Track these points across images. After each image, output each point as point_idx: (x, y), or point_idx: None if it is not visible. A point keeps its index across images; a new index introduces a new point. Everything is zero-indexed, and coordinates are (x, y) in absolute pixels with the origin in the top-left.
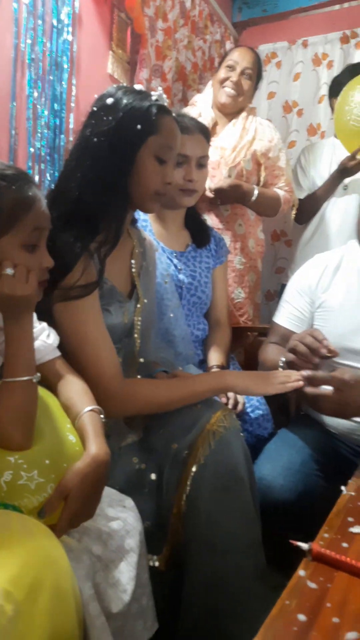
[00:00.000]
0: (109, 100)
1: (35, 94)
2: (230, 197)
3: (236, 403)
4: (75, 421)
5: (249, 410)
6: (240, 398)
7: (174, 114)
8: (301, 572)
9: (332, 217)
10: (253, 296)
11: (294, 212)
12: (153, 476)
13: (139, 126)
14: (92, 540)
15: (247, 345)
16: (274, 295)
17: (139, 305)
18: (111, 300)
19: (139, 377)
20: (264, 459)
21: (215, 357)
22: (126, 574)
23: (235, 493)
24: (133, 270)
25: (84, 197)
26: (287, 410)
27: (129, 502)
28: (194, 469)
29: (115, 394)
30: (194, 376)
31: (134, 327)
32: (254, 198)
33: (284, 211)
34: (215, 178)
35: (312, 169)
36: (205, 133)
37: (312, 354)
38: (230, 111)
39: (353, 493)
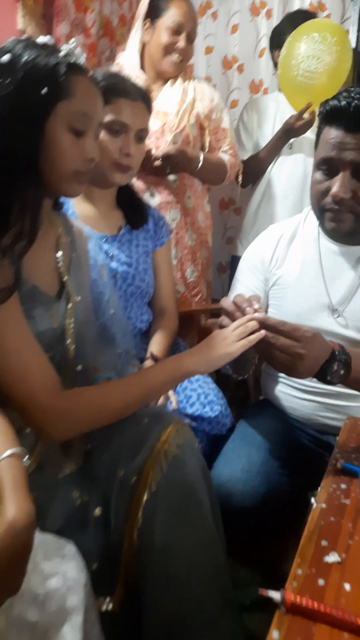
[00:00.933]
0: (5, 58)
1: None
2: (178, 165)
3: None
4: None
5: (206, 408)
6: (169, 392)
7: (106, 74)
8: (274, 635)
9: (279, 181)
10: (206, 274)
11: (240, 178)
12: (97, 511)
13: (44, 90)
14: (25, 605)
15: (200, 330)
16: (225, 267)
17: (70, 305)
18: (34, 304)
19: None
20: (222, 462)
21: (153, 346)
22: (70, 639)
23: (193, 518)
24: (60, 264)
25: None
26: (245, 400)
27: (70, 548)
28: (144, 497)
29: (55, 411)
30: (147, 370)
31: (66, 331)
32: (199, 164)
33: (230, 178)
34: (160, 148)
35: (255, 126)
36: (148, 103)
37: (237, 311)
38: (172, 76)
39: (324, 505)
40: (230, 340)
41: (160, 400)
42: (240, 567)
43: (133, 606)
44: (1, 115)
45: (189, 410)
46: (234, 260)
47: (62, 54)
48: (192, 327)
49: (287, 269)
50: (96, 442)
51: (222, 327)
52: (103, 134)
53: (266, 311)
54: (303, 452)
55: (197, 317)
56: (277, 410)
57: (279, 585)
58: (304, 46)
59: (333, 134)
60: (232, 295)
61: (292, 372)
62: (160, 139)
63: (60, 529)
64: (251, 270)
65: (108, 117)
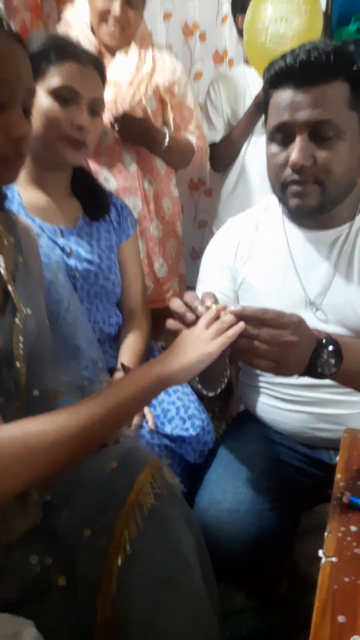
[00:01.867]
0: None
1: None
2: (136, 135)
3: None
4: None
5: (186, 424)
6: (146, 408)
7: (49, 35)
8: None
9: (254, 163)
10: (176, 267)
11: (207, 163)
12: (61, 580)
13: None
14: None
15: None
16: (199, 253)
17: (18, 321)
18: None
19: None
20: (205, 500)
21: (124, 355)
22: None
23: (180, 585)
24: (2, 272)
25: None
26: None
27: (30, 632)
28: (118, 562)
29: None
30: (111, 385)
31: (15, 352)
32: (166, 142)
33: (196, 161)
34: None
35: (224, 104)
36: (101, 70)
37: (188, 311)
38: (116, 49)
39: (334, 559)
40: (205, 338)
41: (135, 420)
42: (234, 591)
43: None
44: None
45: (167, 429)
46: None
47: None
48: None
49: (253, 265)
50: (57, 492)
51: (176, 332)
52: (50, 103)
53: None
54: (294, 478)
55: (171, 315)
56: (261, 426)
57: (274, 609)
58: (271, 7)
59: (282, 96)
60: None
61: (282, 367)
62: (112, 111)
63: (17, 601)
64: (216, 269)
65: (54, 82)
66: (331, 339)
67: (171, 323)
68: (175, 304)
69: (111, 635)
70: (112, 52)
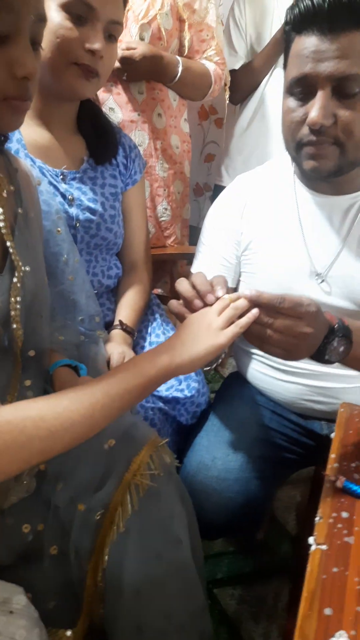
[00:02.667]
0: None
1: None
2: (143, 72)
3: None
4: None
5: (182, 385)
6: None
7: None
8: None
9: (274, 98)
10: (180, 211)
11: (227, 93)
12: (54, 549)
13: None
14: None
15: (176, 278)
16: (203, 189)
17: (16, 279)
18: None
19: (27, 382)
20: (194, 464)
21: (123, 312)
22: None
23: (170, 559)
24: (1, 224)
25: None
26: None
27: (19, 600)
28: (112, 537)
29: None
30: (120, 369)
31: (12, 312)
32: (178, 74)
33: (213, 93)
34: (122, 43)
35: (249, 26)
36: None
37: (196, 297)
38: None
39: (325, 546)
40: (216, 326)
41: None
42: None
43: None
44: None
45: (164, 392)
46: (217, 190)
47: None
48: (165, 273)
49: (259, 229)
50: (51, 463)
51: (179, 315)
52: (61, 19)
53: (239, 279)
54: (284, 446)
55: (171, 261)
56: (254, 392)
57: (252, 555)
58: None
59: (306, 43)
60: (198, 263)
61: (293, 355)
62: (124, 30)
63: (8, 565)
64: (218, 232)
65: None
66: (343, 325)
67: (175, 305)
68: (183, 287)
69: (100, 597)
70: None
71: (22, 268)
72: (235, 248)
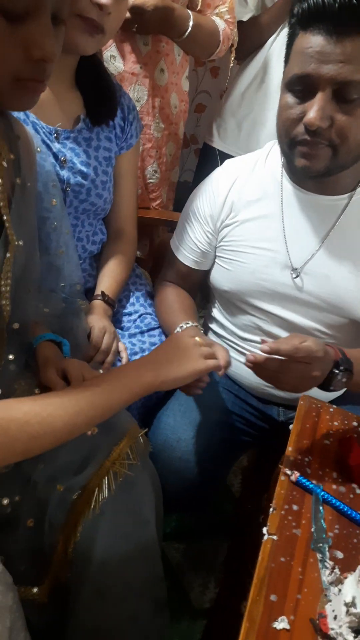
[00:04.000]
0: None
1: None
2: (153, 25)
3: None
4: None
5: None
6: (122, 345)
7: None
8: None
9: (278, 61)
10: (169, 174)
11: (233, 55)
12: (30, 522)
13: None
14: None
15: (156, 243)
16: (189, 141)
17: (9, 255)
18: None
19: (10, 355)
20: (160, 446)
21: (105, 281)
22: None
23: (137, 538)
24: None
25: None
26: None
27: None
28: (86, 516)
29: None
30: (105, 380)
31: (1, 288)
32: (188, 30)
33: (220, 52)
34: None
35: None
36: None
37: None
38: None
39: (275, 537)
40: (203, 353)
41: (109, 358)
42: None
43: (60, 600)
44: None
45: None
46: (206, 150)
47: None
48: (145, 236)
49: (241, 218)
50: None
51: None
52: None
53: (212, 267)
54: (242, 429)
55: (153, 225)
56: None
57: (198, 514)
58: None
59: (312, 41)
60: (178, 243)
61: (301, 390)
62: None
63: None
64: (198, 218)
65: None
66: (345, 358)
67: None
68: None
69: (67, 566)
70: None
71: (16, 242)
72: (211, 236)
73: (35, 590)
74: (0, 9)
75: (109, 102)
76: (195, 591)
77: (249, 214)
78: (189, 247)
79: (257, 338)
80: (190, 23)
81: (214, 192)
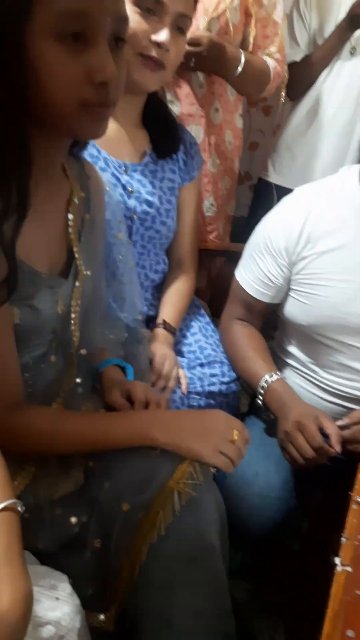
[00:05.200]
0: None
1: None
2: (209, 62)
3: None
4: None
5: (220, 381)
6: (182, 372)
7: None
8: None
9: (330, 96)
10: (226, 207)
11: (283, 92)
12: (97, 543)
13: None
14: None
15: (213, 274)
16: (244, 178)
17: (78, 284)
18: (34, 289)
19: (78, 379)
20: (236, 481)
21: (166, 310)
22: None
23: (203, 564)
24: (70, 230)
25: None
26: None
27: (64, 587)
28: (152, 538)
29: (4, 428)
30: (111, 417)
31: (72, 316)
32: (240, 68)
33: (271, 90)
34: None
35: (313, 16)
36: None
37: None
38: None
39: (350, 568)
40: (221, 447)
41: (171, 383)
42: None
43: (126, 628)
44: None
45: (207, 387)
46: (261, 185)
47: None
48: (202, 268)
49: (319, 250)
50: (99, 461)
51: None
52: (131, 12)
53: (285, 300)
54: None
55: (211, 258)
56: None
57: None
58: None
59: None
60: (243, 272)
61: None
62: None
63: (54, 553)
64: (269, 251)
65: None
66: None
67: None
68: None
69: (132, 592)
70: None
71: (84, 273)
72: (285, 269)
73: (101, 617)
74: (60, 35)
75: (173, 138)
76: (264, 634)
77: (328, 245)
78: (260, 280)
79: (338, 372)
80: (242, 60)
81: (288, 224)
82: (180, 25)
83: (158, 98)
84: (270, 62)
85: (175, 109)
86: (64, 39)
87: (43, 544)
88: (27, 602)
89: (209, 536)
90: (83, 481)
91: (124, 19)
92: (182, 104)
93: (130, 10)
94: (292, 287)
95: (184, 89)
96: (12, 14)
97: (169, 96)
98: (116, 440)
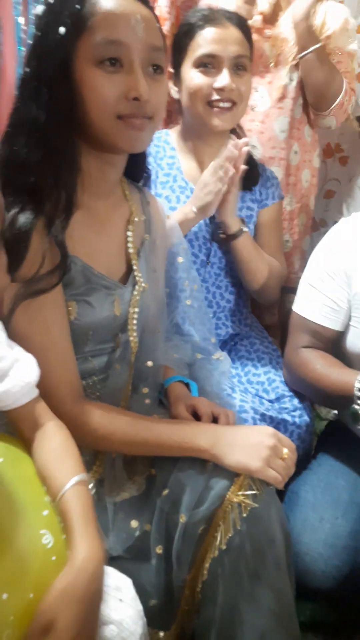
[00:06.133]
0: (39, 9)
1: None
2: None
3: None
4: (57, 501)
5: (295, 412)
6: (230, 414)
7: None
8: None
9: None
10: (300, 242)
11: (354, 123)
12: (159, 549)
13: (62, 29)
14: None
15: (285, 311)
16: (319, 225)
17: (135, 292)
18: (91, 287)
19: (145, 389)
20: (299, 523)
21: None
22: None
23: (268, 582)
24: (129, 245)
25: (13, 153)
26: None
27: (128, 591)
28: (213, 553)
29: (64, 419)
30: (166, 422)
31: (129, 321)
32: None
33: (342, 108)
34: (273, 84)
35: None
36: (243, 27)
37: None
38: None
39: None
40: (269, 460)
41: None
42: None
43: None
44: (28, 76)
45: (274, 412)
46: None
47: None
48: (274, 304)
49: None
50: (160, 469)
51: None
52: (193, 72)
53: (348, 324)
54: None
55: (283, 293)
56: None
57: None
58: None
59: None
60: (304, 304)
61: None
62: (274, 73)
63: (121, 558)
64: (329, 274)
65: (195, 53)
66: None
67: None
68: None
69: (194, 611)
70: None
71: (142, 284)
72: (346, 290)
73: (162, 634)
74: (99, 61)
75: (252, 175)
76: None
77: None
78: (326, 306)
79: None
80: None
81: (344, 242)
82: (239, 64)
83: (237, 136)
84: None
85: (258, 152)
86: (102, 63)
87: (108, 545)
88: (100, 558)
89: (273, 552)
90: (145, 488)
91: (157, 48)
92: (265, 148)
93: (193, 72)
94: (353, 315)
95: (266, 135)
96: (63, 46)
97: (252, 141)
98: (166, 444)
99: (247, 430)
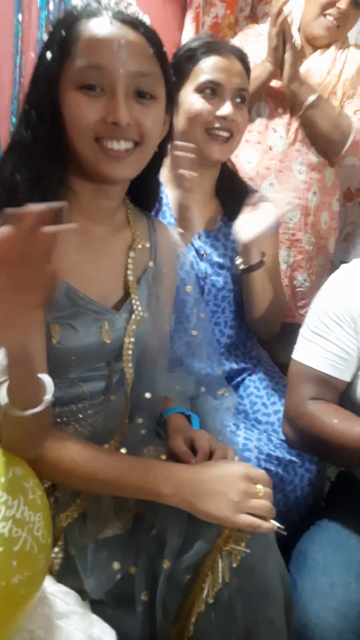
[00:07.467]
0: (45, 36)
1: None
2: None
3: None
4: None
5: (299, 452)
6: (230, 451)
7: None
8: None
9: None
10: (319, 283)
11: None
12: (144, 596)
13: (49, 54)
14: None
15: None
16: (337, 266)
17: (132, 321)
18: (76, 310)
19: (140, 419)
20: (309, 588)
21: None
22: None
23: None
24: (129, 272)
25: (5, 174)
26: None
27: None
28: (199, 607)
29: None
30: (130, 461)
31: (123, 350)
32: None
33: (357, 145)
34: (292, 127)
35: None
36: (244, 61)
37: None
38: (320, 45)
39: None
40: (244, 505)
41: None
42: None
43: None
44: (27, 94)
45: (279, 452)
46: None
47: (79, 4)
48: (288, 343)
49: None
50: (149, 508)
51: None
52: (194, 98)
53: (355, 381)
54: None
55: (298, 333)
56: None
57: None
58: None
59: None
60: (306, 352)
61: None
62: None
63: (101, 602)
64: (335, 321)
65: (198, 79)
66: None
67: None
68: None
69: None
70: (315, 48)
71: (140, 313)
72: (354, 337)
73: None
74: (80, 86)
75: (243, 202)
76: None
77: None
78: (336, 355)
79: None
80: (313, 97)
81: (349, 289)
82: (240, 96)
83: (230, 171)
84: (354, 118)
85: (273, 189)
86: (83, 88)
87: (88, 587)
88: None
89: (268, 610)
90: (131, 526)
91: (142, 74)
92: (282, 186)
93: (194, 97)
94: None
95: (286, 174)
96: (50, 70)
97: (270, 179)
98: (128, 487)
99: (215, 473)
